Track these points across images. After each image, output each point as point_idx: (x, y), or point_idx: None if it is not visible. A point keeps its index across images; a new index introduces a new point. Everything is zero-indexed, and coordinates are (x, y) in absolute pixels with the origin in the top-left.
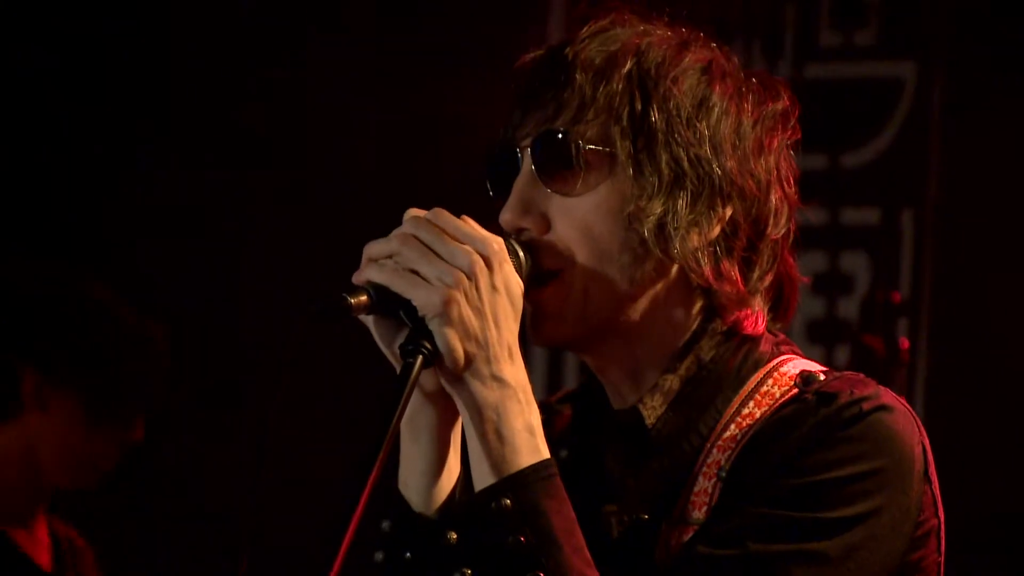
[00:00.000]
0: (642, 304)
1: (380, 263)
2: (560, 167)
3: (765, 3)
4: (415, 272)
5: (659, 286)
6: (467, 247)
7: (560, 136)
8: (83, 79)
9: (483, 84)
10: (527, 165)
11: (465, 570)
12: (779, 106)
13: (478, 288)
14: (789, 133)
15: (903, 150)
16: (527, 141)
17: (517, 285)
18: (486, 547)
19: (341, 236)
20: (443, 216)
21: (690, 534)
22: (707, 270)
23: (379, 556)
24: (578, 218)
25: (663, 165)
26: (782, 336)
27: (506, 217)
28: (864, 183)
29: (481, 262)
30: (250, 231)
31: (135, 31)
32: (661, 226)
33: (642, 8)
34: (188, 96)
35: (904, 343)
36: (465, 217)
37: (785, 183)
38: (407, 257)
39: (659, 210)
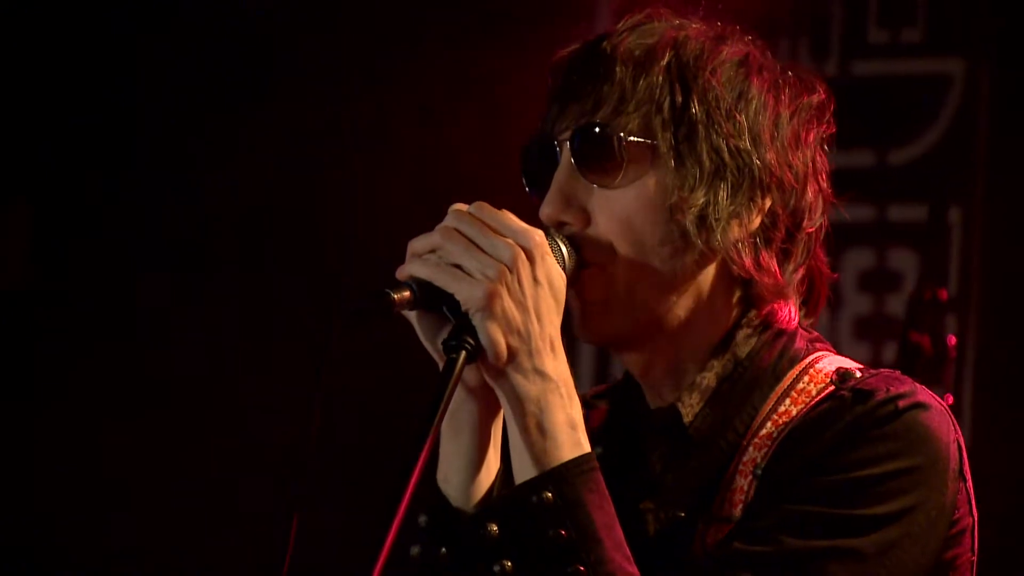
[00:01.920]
0: (685, 297)
1: (423, 258)
2: (600, 159)
3: (813, 0)
4: (458, 266)
5: (700, 278)
6: (508, 240)
7: (601, 128)
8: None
9: (531, 82)
10: (566, 158)
11: (505, 562)
12: (815, 99)
13: (520, 281)
14: (824, 127)
15: (951, 147)
16: (566, 134)
17: (559, 278)
18: (527, 540)
19: (386, 232)
20: (485, 209)
21: (726, 531)
22: (748, 261)
23: (415, 550)
24: (619, 210)
25: (704, 156)
26: (815, 333)
27: (546, 211)
28: (912, 180)
29: (523, 255)
30: (296, 227)
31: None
32: (702, 217)
33: (677, 4)
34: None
35: (951, 340)
36: (505, 211)
37: (821, 177)
38: (450, 251)
39: (701, 201)
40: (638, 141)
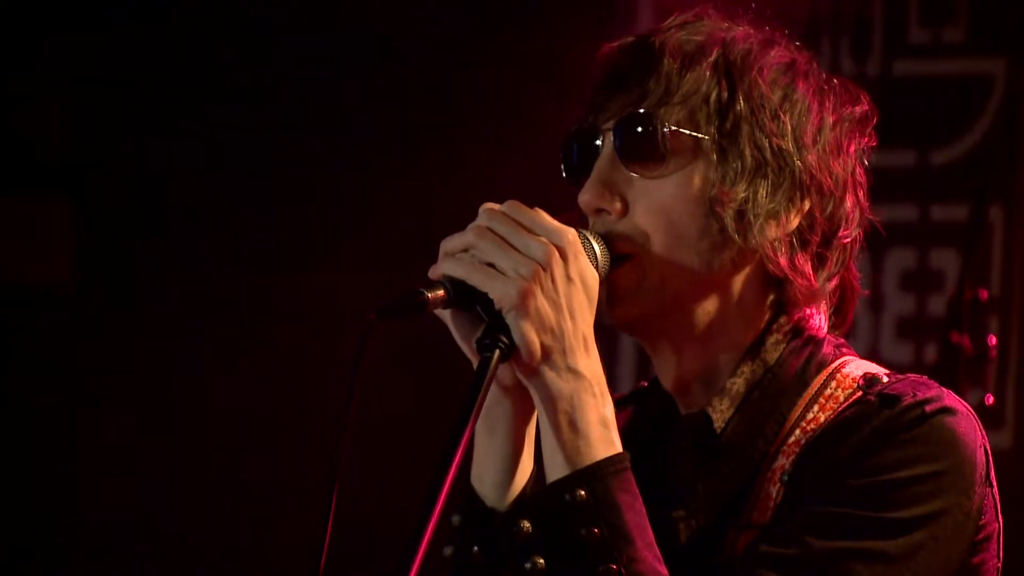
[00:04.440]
0: (717, 295)
1: (456, 257)
2: (643, 149)
3: (854, 0)
4: (491, 265)
5: (735, 278)
6: (542, 238)
7: (645, 118)
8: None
9: (573, 86)
10: (608, 147)
11: (537, 559)
12: (858, 111)
13: (554, 279)
14: (866, 140)
15: (992, 146)
16: (609, 124)
17: (592, 276)
18: (559, 538)
19: (415, 232)
20: (518, 208)
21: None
22: (783, 260)
23: (448, 551)
24: (658, 201)
25: (746, 152)
26: (841, 339)
27: (585, 198)
28: (954, 180)
29: (556, 253)
30: (322, 227)
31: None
32: (741, 212)
33: (726, 6)
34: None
35: (992, 340)
36: (538, 209)
37: (859, 190)
38: (483, 250)
39: (741, 196)
40: (681, 132)
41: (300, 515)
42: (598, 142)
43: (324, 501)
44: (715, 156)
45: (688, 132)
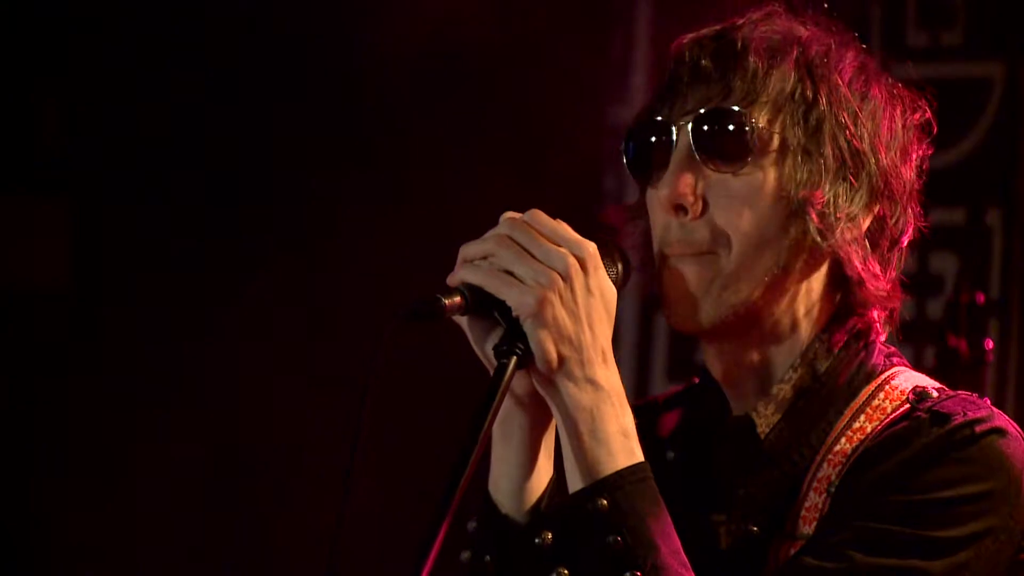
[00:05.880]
0: (788, 298)
1: (475, 264)
2: (727, 146)
3: (851, 3)
4: (510, 273)
5: (808, 280)
6: (563, 249)
7: (732, 115)
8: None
9: (572, 88)
10: (685, 142)
11: (562, 570)
12: (920, 118)
13: (573, 290)
14: (923, 148)
15: (991, 149)
16: (688, 118)
17: (611, 290)
18: (583, 547)
19: (435, 239)
20: (539, 218)
21: (799, 549)
22: (858, 263)
23: (464, 556)
24: (739, 199)
25: (828, 154)
26: (892, 348)
27: (664, 192)
28: (952, 183)
29: (577, 264)
30: (344, 231)
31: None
32: (823, 215)
33: (793, 7)
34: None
35: (988, 344)
36: (559, 220)
37: (915, 198)
38: (502, 258)
39: (824, 198)
40: (767, 131)
41: (303, 517)
42: (673, 136)
43: (331, 504)
44: (800, 156)
45: (772, 131)
